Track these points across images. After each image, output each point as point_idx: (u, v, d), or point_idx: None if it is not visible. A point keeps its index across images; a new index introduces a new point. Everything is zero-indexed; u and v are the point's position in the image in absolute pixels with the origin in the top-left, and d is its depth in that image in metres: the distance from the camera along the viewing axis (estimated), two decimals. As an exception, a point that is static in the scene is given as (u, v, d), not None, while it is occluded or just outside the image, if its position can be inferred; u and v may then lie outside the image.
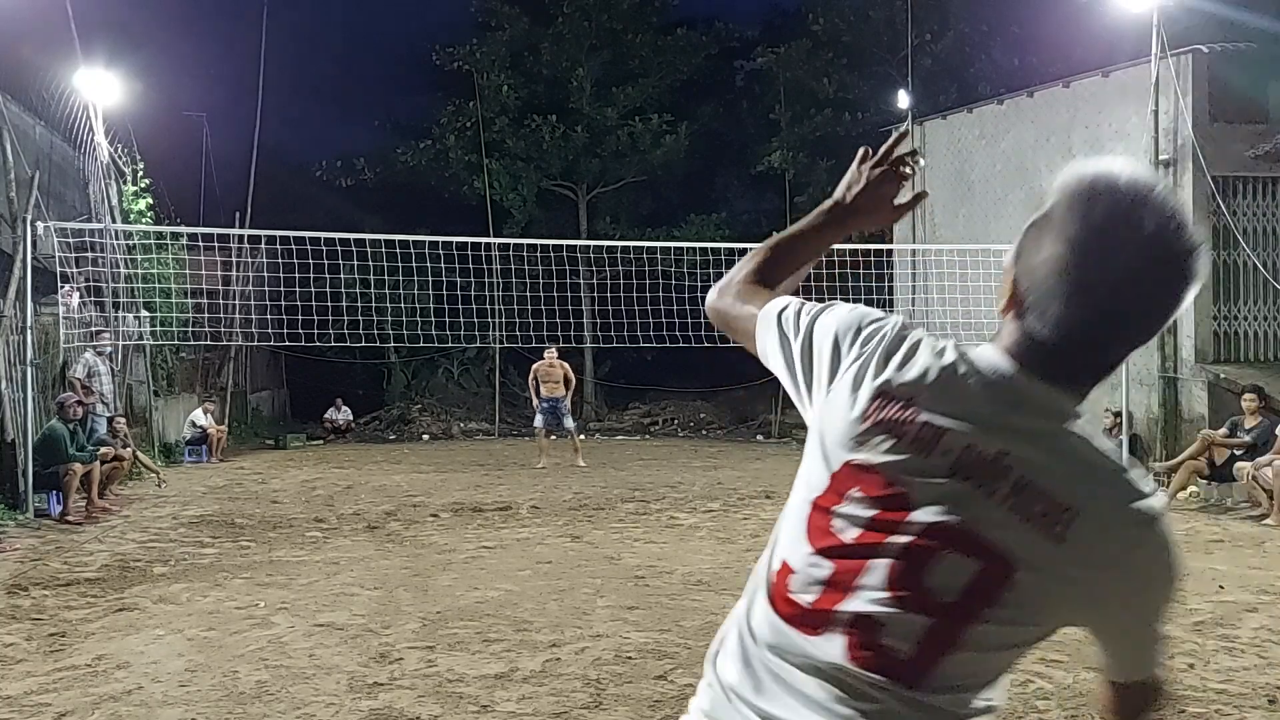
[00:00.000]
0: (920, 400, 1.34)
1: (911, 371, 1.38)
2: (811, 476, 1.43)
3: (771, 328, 1.52)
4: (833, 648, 1.30)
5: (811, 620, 1.32)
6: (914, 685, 1.28)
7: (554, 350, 14.25)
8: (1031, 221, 1.36)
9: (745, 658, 1.37)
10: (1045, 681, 4.85)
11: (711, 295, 1.65)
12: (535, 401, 14.42)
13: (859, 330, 1.45)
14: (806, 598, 1.33)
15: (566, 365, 14.42)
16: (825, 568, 1.33)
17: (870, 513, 1.31)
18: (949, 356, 1.42)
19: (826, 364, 1.44)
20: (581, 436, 20.90)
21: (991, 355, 1.42)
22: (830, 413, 1.42)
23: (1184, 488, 10.79)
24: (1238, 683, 4.86)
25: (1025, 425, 1.30)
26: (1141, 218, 1.29)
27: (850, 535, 1.32)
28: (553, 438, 14.69)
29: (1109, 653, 1.44)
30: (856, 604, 1.29)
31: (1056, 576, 1.28)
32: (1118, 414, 12.03)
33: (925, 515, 1.28)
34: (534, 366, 14.46)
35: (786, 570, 1.37)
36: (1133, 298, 1.28)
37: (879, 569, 1.29)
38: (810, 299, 1.56)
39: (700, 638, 5.65)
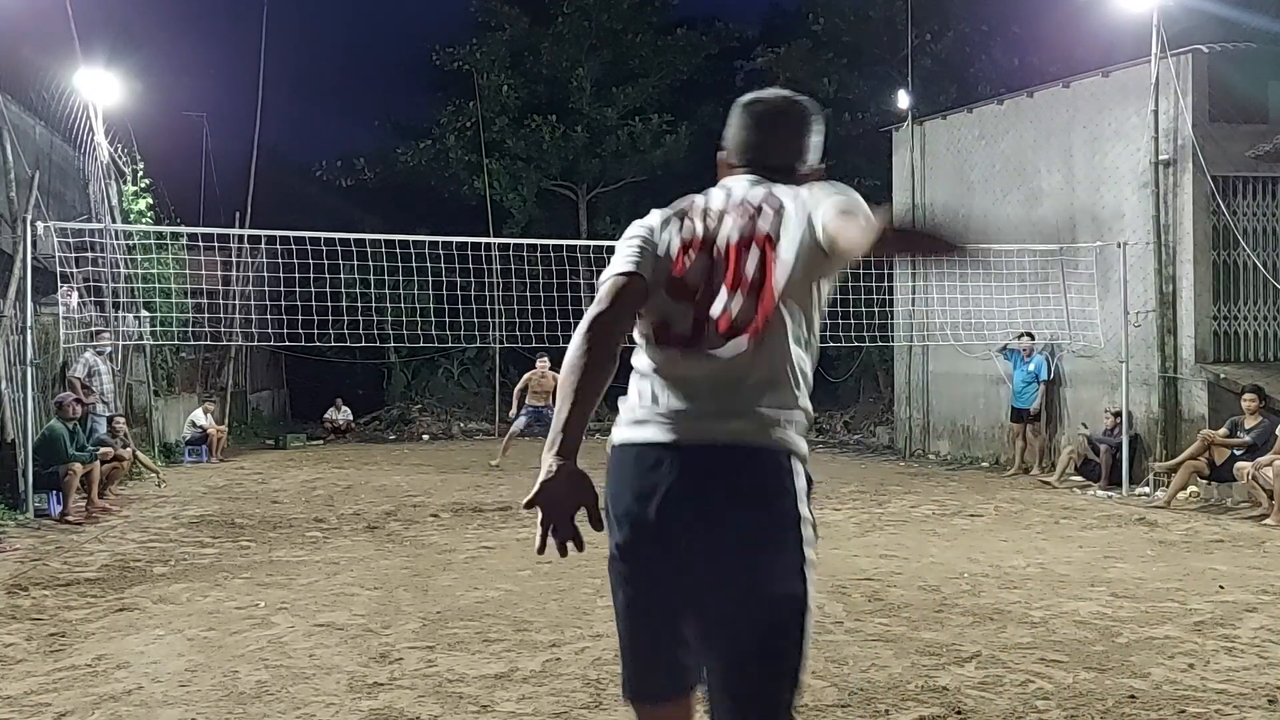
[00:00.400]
0: (718, 206, 2.45)
1: (702, 202, 2.49)
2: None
3: (626, 261, 2.35)
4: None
5: (688, 334, 2.35)
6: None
7: (546, 360, 14.19)
8: (727, 131, 2.59)
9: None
10: (1045, 682, 4.86)
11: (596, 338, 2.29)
12: (515, 409, 14.31)
13: (667, 212, 2.50)
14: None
15: (557, 376, 14.28)
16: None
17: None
18: (724, 189, 2.52)
19: (657, 227, 2.44)
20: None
21: (743, 180, 2.50)
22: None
23: (1184, 488, 10.79)
24: (1238, 683, 4.86)
25: (772, 193, 2.40)
26: (776, 101, 2.61)
27: (696, 270, 2.38)
28: (525, 439, 14.37)
29: (833, 219, 2.24)
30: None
31: (794, 227, 2.29)
32: (1117, 414, 12.03)
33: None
34: (526, 376, 14.45)
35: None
36: (785, 131, 2.57)
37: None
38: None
39: (700, 638, 5.65)
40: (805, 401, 2.31)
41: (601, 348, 2.22)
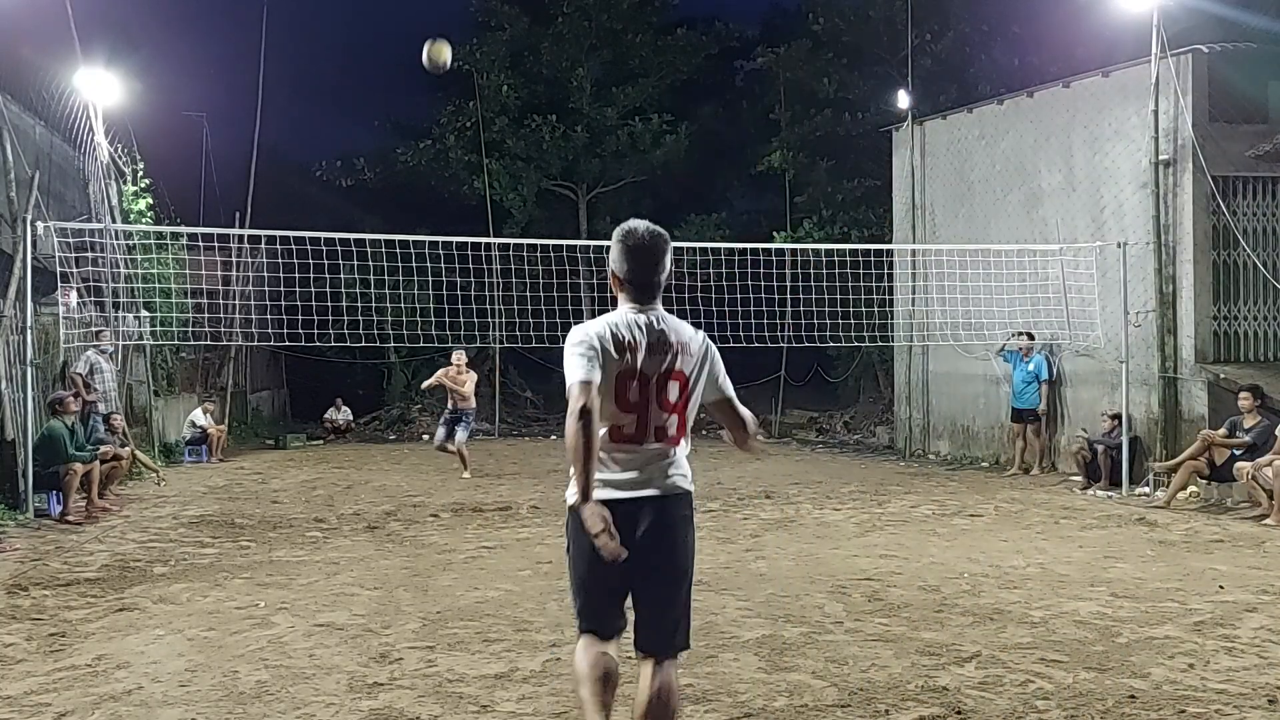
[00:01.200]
0: (642, 339, 3.54)
1: (626, 335, 3.53)
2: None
3: (585, 371, 3.44)
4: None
5: (635, 434, 3.54)
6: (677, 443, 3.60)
7: (463, 354, 13.44)
8: (611, 254, 3.56)
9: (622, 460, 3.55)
10: (1045, 681, 4.86)
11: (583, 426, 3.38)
12: (431, 381, 13.56)
13: (601, 334, 3.53)
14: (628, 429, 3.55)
15: (474, 375, 13.58)
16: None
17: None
18: (637, 316, 3.59)
19: (597, 343, 3.48)
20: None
21: (628, 309, 3.61)
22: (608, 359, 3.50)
23: (1184, 488, 10.79)
24: (1238, 683, 4.86)
25: (675, 325, 3.59)
26: (644, 233, 3.56)
27: (635, 393, 3.51)
28: (448, 449, 13.44)
29: (722, 385, 3.69)
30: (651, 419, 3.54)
31: (695, 371, 3.57)
32: (1115, 416, 12.04)
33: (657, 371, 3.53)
34: (441, 372, 13.47)
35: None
36: (652, 262, 3.54)
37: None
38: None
39: (700, 638, 5.65)
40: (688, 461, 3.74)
41: (591, 427, 3.35)
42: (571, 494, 3.43)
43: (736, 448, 3.86)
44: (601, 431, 3.48)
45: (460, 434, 13.37)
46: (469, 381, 13.37)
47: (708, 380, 3.68)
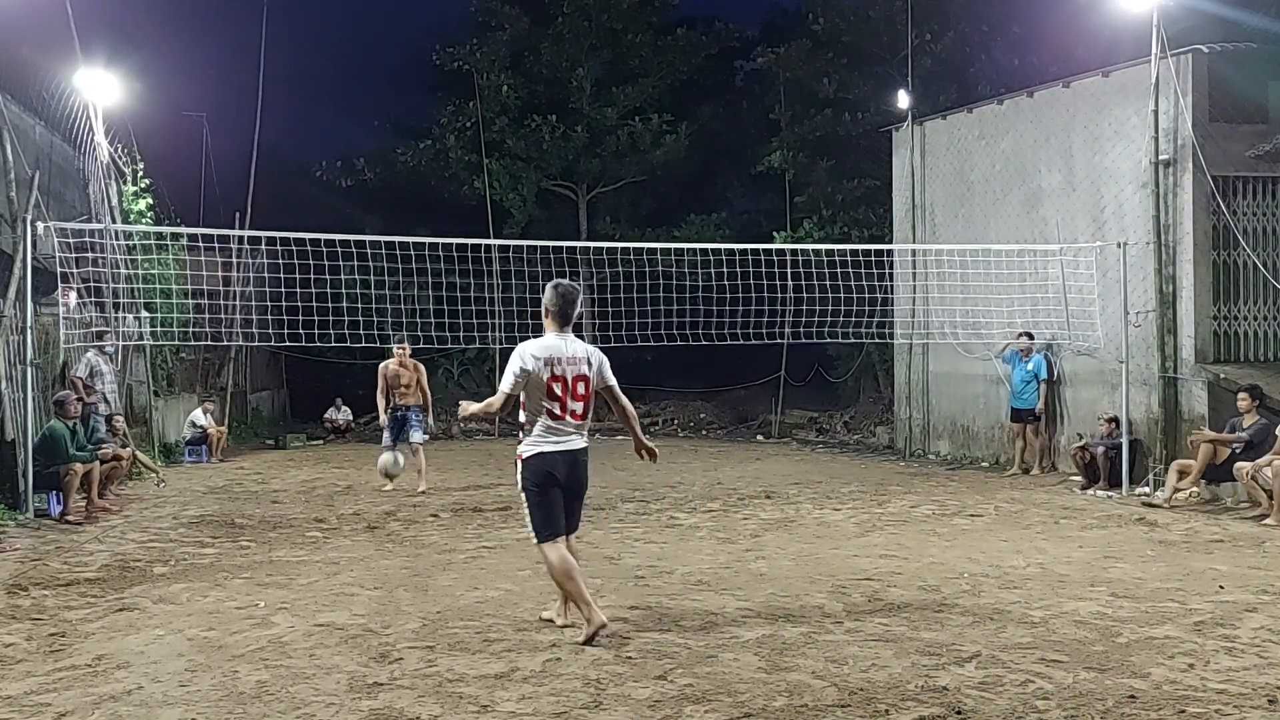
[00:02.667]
0: (564, 355, 5.74)
1: (553, 353, 5.72)
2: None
3: (511, 386, 5.69)
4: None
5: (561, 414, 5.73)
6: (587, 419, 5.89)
7: (406, 346, 12.03)
8: (545, 297, 5.84)
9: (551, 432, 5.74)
10: (1045, 681, 4.86)
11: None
12: (383, 415, 11.94)
13: (535, 354, 5.70)
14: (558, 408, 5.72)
15: (421, 367, 12.28)
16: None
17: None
18: (560, 341, 5.78)
19: (531, 364, 5.64)
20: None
21: (554, 335, 5.80)
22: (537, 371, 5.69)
23: (1181, 489, 10.76)
24: (1238, 683, 4.86)
25: (579, 345, 5.82)
26: (569, 285, 5.85)
27: (559, 389, 5.70)
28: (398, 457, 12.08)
29: (607, 379, 5.87)
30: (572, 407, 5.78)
31: (594, 372, 5.80)
32: (1112, 419, 12.03)
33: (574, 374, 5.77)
34: (381, 367, 12.12)
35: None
36: (572, 300, 5.81)
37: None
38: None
39: (700, 638, 5.66)
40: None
41: (497, 416, 6.37)
42: (524, 449, 5.72)
43: (624, 425, 6.09)
44: (535, 412, 5.67)
45: (415, 435, 12.05)
46: (414, 375, 12.11)
47: (598, 377, 5.80)
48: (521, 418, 5.68)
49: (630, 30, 24.07)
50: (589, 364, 5.74)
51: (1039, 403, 13.33)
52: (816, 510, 10.50)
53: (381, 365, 12.22)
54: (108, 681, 4.94)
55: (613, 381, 5.86)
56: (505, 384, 5.63)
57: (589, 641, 5.49)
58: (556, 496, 5.68)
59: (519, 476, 5.77)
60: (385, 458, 12.00)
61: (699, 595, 6.72)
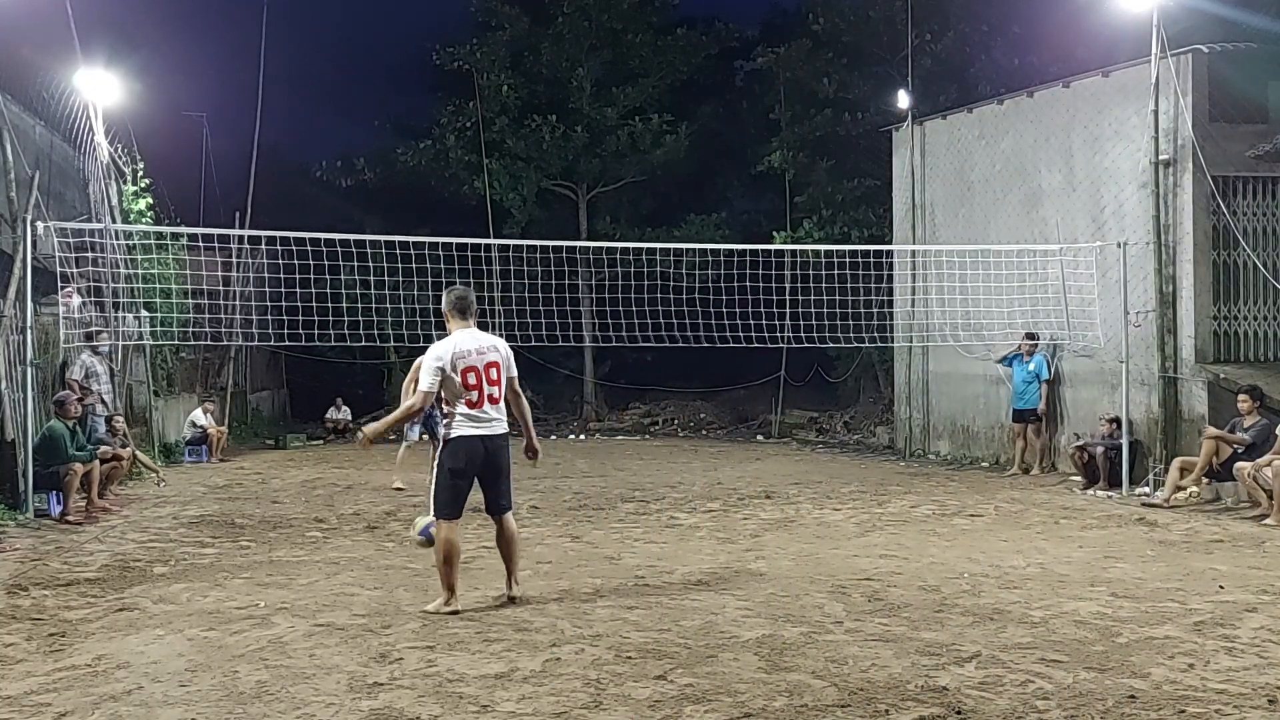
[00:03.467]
0: (471, 347, 6.30)
1: (464, 347, 6.28)
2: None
3: (429, 385, 6.18)
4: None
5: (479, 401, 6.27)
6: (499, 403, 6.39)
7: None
8: (445, 303, 6.49)
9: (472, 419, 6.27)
10: (1045, 681, 4.86)
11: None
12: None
13: (450, 351, 6.25)
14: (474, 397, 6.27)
15: None
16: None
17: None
18: (466, 335, 6.34)
19: (446, 361, 6.19)
20: (582, 436, 20.97)
21: (460, 330, 6.36)
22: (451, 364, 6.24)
23: (1182, 488, 10.77)
24: (1238, 683, 4.86)
25: (485, 337, 6.42)
26: (465, 288, 6.56)
27: (473, 378, 6.25)
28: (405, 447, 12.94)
29: (512, 370, 6.45)
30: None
31: (503, 358, 6.37)
32: (1113, 420, 12.03)
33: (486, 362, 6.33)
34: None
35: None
36: (467, 299, 6.44)
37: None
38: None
39: (700, 638, 5.66)
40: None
41: (419, 411, 6.49)
42: (448, 432, 6.25)
43: (519, 421, 6.52)
44: (455, 401, 6.18)
45: (412, 434, 12.61)
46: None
47: (507, 364, 6.33)
48: (443, 409, 6.28)
49: (630, 30, 24.07)
50: (498, 350, 6.31)
51: (1040, 403, 13.34)
52: (816, 510, 10.50)
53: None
54: (108, 681, 4.94)
55: (515, 373, 6.43)
56: (424, 383, 6.13)
57: (429, 613, 6.11)
58: (467, 482, 6.30)
59: (439, 456, 6.35)
60: (413, 437, 12.94)
61: (699, 595, 6.72)
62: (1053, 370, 13.47)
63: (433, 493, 6.35)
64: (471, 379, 6.13)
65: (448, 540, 6.20)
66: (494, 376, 6.20)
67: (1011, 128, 14.64)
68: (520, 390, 6.49)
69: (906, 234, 16.55)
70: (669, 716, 4.44)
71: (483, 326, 6.59)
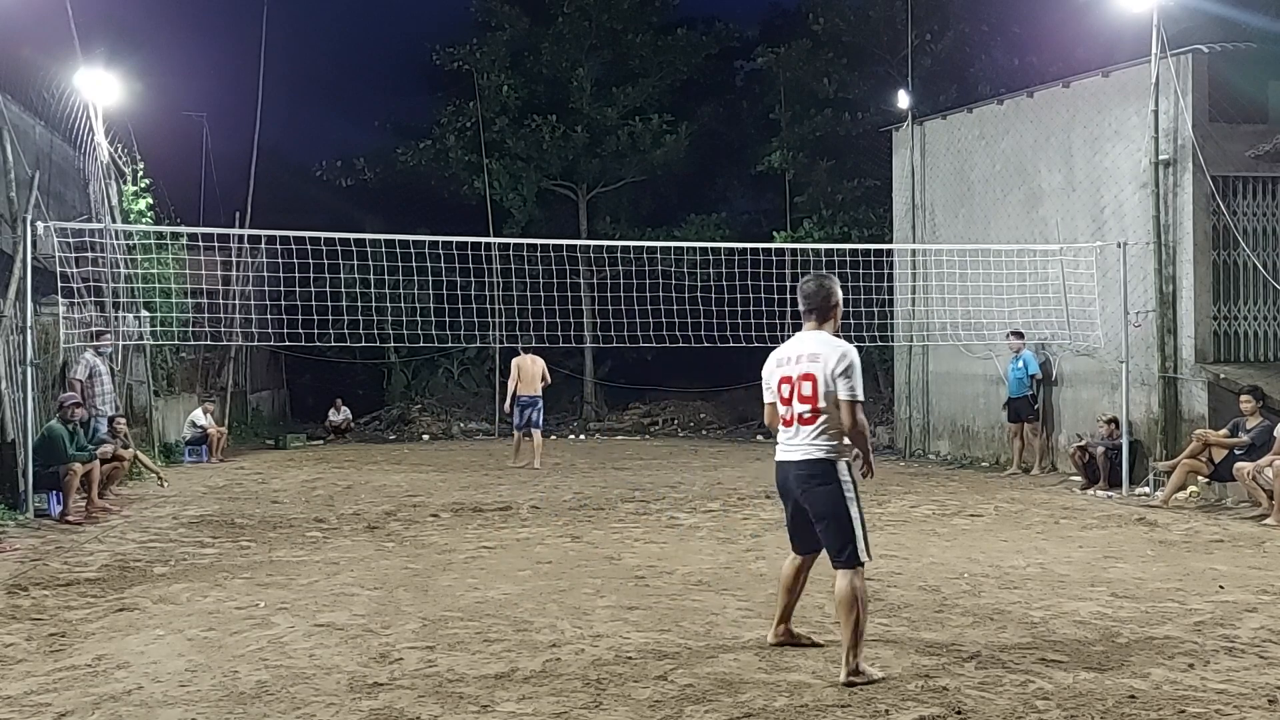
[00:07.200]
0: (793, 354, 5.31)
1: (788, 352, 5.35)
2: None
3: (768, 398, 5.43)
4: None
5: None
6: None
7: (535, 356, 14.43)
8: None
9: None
10: (1045, 681, 4.86)
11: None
12: (510, 404, 14.44)
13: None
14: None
15: (540, 361, 14.47)
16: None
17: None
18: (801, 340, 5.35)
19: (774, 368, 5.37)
20: (582, 436, 20.99)
21: (809, 333, 5.34)
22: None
23: (1182, 487, 10.78)
24: (1238, 683, 4.86)
25: (814, 349, 5.27)
26: (811, 276, 5.48)
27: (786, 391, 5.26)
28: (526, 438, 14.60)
29: (836, 388, 5.15)
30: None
31: (825, 374, 5.14)
32: (1111, 420, 12.03)
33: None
34: (517, 364, 14.42)
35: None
36: (807, 293, 5.38)
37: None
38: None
39: (700, 638, 5.66)
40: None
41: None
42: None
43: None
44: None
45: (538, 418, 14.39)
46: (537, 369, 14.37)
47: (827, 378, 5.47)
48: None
49: (630, 30, 24.07)
50: (813, 361, 5.18)
51: (1029, 394, 13.36)
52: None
53: (517, 363, 14.40)
54: (108, 681, 4.94)
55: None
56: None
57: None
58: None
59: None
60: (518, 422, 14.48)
61: (699, 595, 6.72)
62: (1053, 369, 13.46)
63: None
64: (785, 396, 5.23)
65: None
66: (804, 393, 5.17)
67: (1011, 128, 14.64)
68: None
69: (906, 234, 16.55)
70: (669, 716, 4.44)
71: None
